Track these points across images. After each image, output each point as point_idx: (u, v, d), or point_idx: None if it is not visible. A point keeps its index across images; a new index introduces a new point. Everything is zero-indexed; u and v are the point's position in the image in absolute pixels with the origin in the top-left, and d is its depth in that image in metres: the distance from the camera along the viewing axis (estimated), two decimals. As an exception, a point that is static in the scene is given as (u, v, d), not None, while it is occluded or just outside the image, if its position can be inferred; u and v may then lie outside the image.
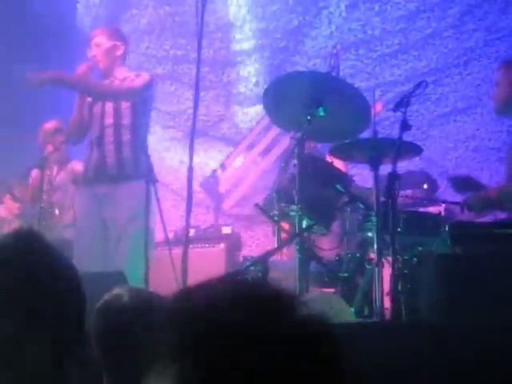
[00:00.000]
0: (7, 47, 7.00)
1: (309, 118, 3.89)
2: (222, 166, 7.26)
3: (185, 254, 3.98)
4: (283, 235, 5.51)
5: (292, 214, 3.90)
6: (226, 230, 6.30)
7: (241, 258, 6.39)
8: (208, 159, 7.24)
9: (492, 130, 6.61)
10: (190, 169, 4.18)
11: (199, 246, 5.99)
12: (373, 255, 4.04)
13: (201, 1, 4.13)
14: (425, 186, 5.85)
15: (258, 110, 7.32)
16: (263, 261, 3.60)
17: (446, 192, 6.52)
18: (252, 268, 3.62)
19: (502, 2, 6.67)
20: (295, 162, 3.92)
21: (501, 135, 6.53)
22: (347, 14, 6.95)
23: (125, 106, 4.82)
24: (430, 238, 3.90)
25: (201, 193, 7.20)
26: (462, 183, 4.30)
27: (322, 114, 3.96)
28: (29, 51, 7.00)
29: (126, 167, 4.77)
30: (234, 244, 6.26)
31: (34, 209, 5.45)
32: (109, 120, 4.82)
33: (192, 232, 6.25)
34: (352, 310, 3.77)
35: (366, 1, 6.88)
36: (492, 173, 6.39)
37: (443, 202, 5.00)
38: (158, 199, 4.96)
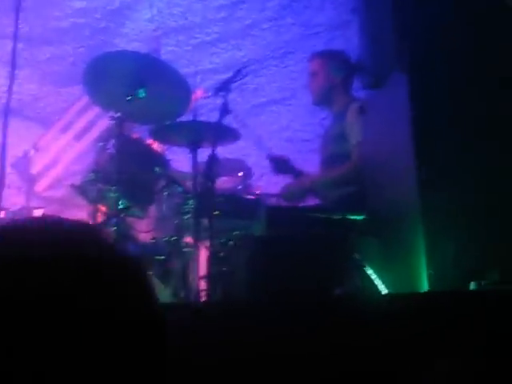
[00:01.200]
0: None
1: (129, 98, 3.86)
2: (35, 147, 7.03)
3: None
4: (100, 217, 5.45)
5: (109, 195, 3.86)
6: (38, 212, 6.11)
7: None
8: (20, 139, 6.96)
9: (305, 121, 6.82)
10: (3, 147, 4.02)
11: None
12: (189, 239, 4.07)
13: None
14: (240, 174, 5.94)
15: (74, 90, 7.14)
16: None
17: (261, 180, 6.67)
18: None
19: (318, -2, 6.90)
20: (113, 142, 3.88)
21: (313, 127, 6.75)
22: (168, -2, 6.92)
23: None
24: (246, 222, 3.98)
25: (12, 174, 6.93)
26: (280, 165, 4.42)
27: (142, 95, 3.93)
28: None
29: None
30: (45, 227, 6.09)
31: None
32: None
33: (1, 214, 6.01)
34: (168, 292, 3.78)
35: (189, -13, 6.89)
36: (304, 163, 6.60)
37: (260, 193, 5.11)
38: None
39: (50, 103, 7.14)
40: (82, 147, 7.08)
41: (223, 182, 5.56)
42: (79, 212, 7.00)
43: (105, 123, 6.82)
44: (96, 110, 6.96)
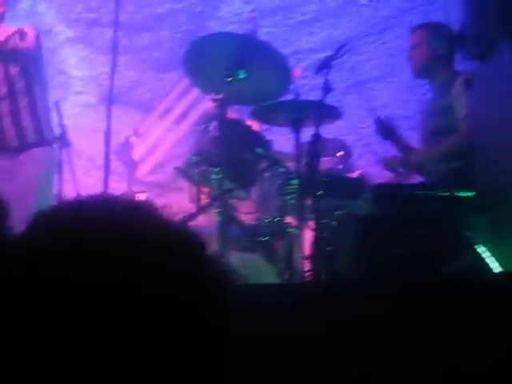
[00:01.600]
0: None
1: (230, 79, 3.85)
2: (136, 133, 7.14)
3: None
4: (204, 199, 5.49)
5: (212, 177, 3.87)
6: (141, 197, 6.22)
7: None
8: (121, 126, 7.09)
9: (405, 98, 6.70)
10: (108, 134, 4.09)
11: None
12: (291, 219, 4.06)
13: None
14: (339, 154, 5.88)
15: (172, 76, 7.21)
16: (185, 224, 3.55)
17: (360, 160, 6.58)
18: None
19: (416, -29, 6.75)
20: (216, 124, 3.89)
21: (414, 104, 6.61)
22: (264, -21, 6.90)
23: (14, 71, 4.54)
24: (350, 202, 3.93)
25: (114, 160, 7.06)
26: (387, 130, 4.33)
27: (243, 76, 3.92)
28: None
29: (27, 136, 4.52)
30: (149, 211, 6.19)
31: None
32: (1, 89, 4.56)
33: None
34: (273, 272, 3.78)
35: (283, -33, 6.85)
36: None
37: (361, 173, 5.05)
38: (71, 164, 4.83)
39: (150, 89, 7.24)
40: (181, 131, 7.15)
41: (323, 162, 5.51)
42: (181, 195, 7.10)
43: (204, 107, 6.87)
44: (194, 94, 7.01)
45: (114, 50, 4.07)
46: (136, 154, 7.13)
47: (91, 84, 7.30)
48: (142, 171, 7.18)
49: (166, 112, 7.19)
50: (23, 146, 4.52)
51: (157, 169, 7.22)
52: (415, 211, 3.41)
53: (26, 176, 4.35)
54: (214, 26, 7.01)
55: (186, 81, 7.02)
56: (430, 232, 3.16)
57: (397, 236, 3.15)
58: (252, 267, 3.58)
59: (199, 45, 4.00)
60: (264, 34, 6.60)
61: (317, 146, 3.53)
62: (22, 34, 4.54)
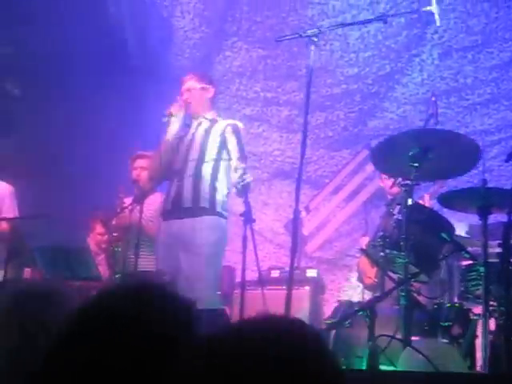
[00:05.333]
0: (99, 86, 7.09)
1: (416, 165, 3.89)
2: (307, 209, 7.28)
3: (288, 295, 4.00)
4: (368, 281, 5.50)
5: (398, 261, 3.89)
6: (312, 272, 6.29)
7: (323, 302, 6.39)
8: (292, 201, 7.24)
9: None
10: (296, 211, 4.21)
11: (284, 287, 5.98)
12: (474, 306, 4.02)
13: (312, 52, 4.18)
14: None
15: (344, 154, 7.35)
16: (371, 306, 3.59)
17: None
18: (360, 313, 3.62)
19: None
20: (400, 207, 3.92)
21: None
22: (440, 61, 6.95)
23: (212, 142, 4.84)
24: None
25: (284, 234, 7.23)
26: None
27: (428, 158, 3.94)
28: (121, 89, 7.14)
29: (202, 202, 4.73)
30: (317, 287, 6.25)
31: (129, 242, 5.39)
32: (193, 154, 4.83)
33: (277, 273, 6.30)
34: (467, 363, 3.72)
35: (459, 49, 6.87)
36: None
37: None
38: (253, 238, 4.99)
39: (321, 166, 7.39)
40: (351, 209, 7.23)
41: (495, 247, 5.43)
42: (347, 274, 7.14)
43: (373, 187, 6.94)
44: (366, 173, 7.10)
45: (304, 131, 4.19)
46: (306, 230, 7.26)
47: (264, 160, 7.53)
48: (311, 247, 7.30)
49: (337, 189, 7.30)
50: (195, 210, 4.72)
51: (325, 245, 7.31)
52: None
53: (198, 242, 4.57)
54: (388, 107, 7.11)
55: (357, 159, 7.14)
56: None
57: None
58: (447, 355, 3.54)
59: (382, 146, 4.04)
60: (439, 115, 6.63)
61: (510, 234, 3.49)
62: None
